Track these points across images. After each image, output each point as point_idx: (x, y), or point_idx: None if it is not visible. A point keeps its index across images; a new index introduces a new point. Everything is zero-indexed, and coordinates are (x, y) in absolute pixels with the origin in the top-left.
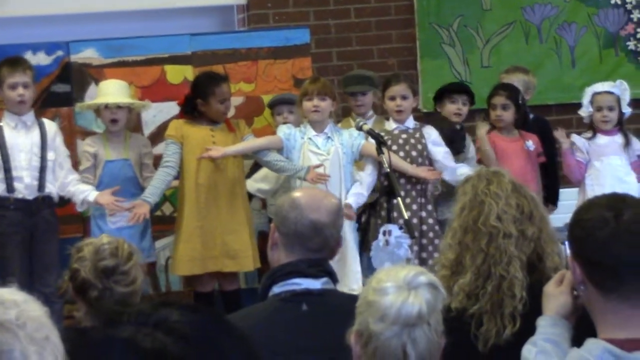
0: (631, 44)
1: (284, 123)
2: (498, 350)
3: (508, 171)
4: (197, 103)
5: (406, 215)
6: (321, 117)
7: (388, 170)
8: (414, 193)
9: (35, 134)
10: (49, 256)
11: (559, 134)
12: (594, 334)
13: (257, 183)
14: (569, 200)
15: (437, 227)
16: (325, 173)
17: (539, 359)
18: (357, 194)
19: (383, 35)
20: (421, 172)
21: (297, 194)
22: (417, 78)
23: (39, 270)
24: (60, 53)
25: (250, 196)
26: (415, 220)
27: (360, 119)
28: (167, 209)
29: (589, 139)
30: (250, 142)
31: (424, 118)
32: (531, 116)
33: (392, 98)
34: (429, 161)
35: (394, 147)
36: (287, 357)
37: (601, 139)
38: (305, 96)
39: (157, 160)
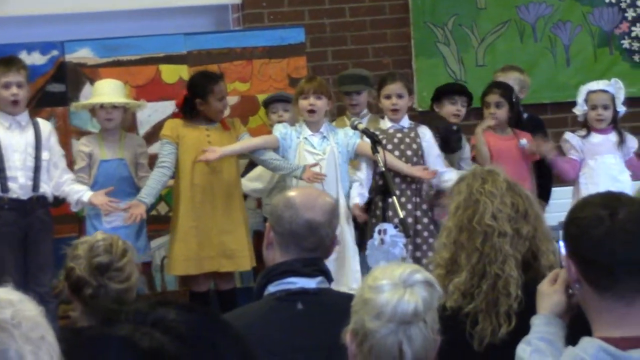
0: (626, 43)
1: (279, 121)
2: (493, 349)
3: (503, 170)
4: (196, 103)
5: (401, 214)
6: (317, 117)
7: (383, 169)
8: (409, 192)
9: (30, 133)
10: (43, 256)
11: (544, 148)
12: (588, 333)
13: (251, 182)
14: (563, 199)
15: (431, 227)
16: (322, 172)
17: (534, 358)
18: (362, 194)
19: (378, 35)
20: (416, 171)
21: (292, 193)
22: (412, 77)
23: (33, 270)
24: (55, 53)
25: (245, 195)
26: (410, 220)
27: (355, 118)
28: (163, 208)
29: (583, 137)
30: (247, 142)
31: (418, 117)
32: (525, 115)
33: (388, 97)
34: (424, 160)
35: (389, 146)
36: (283, 356)
37: (595, 138)
38: (301, 95)
39: (152, 160)
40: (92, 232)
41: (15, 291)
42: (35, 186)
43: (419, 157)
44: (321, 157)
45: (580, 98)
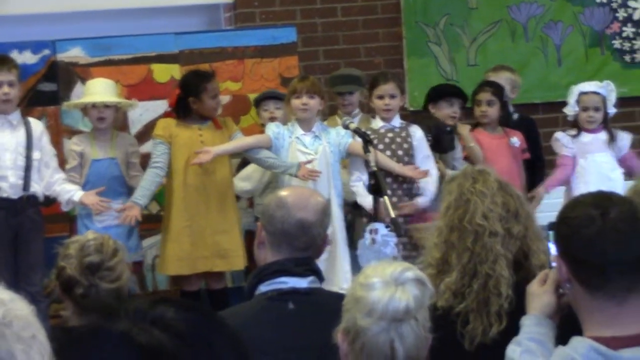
0: (617, 43)
1: (271, 118)
2: (484, 349)
3: (494, 170)
4: (190, 101)
5: (393, 213)
6: (310, 115)
7: (374, 169)
8: (400, 192)
9: (21, 133)
10: (34, 255)
11: (538, 198)
12: (578, 333)
13: (240, 182)
14: (554, 199)
15: None
16: (316, 169)
17: (524, 358)
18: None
19: (370, 34)
20: (407, 170)
21: (283, 192)
22: (404, 76)
23: (24, 269)
24: (46, 52)
25: (237, 196)
26: (401, 219)
27: (346, 117)
28: (154, 207)
29: (574, 137)
30: (239, 141)
31: (410, 116)
32: (517, 115)
33: (381, 97)
34: (415, 160)
35: (380, 146)
36: (274, 356)
37: (585, 137)
38: (294, 94)
39: (144, 159)
40: (83, 231)
41: (6, 290)
42: (26, 185)
43: (410, 156)
44: (313, 156)
45: (571, 99)
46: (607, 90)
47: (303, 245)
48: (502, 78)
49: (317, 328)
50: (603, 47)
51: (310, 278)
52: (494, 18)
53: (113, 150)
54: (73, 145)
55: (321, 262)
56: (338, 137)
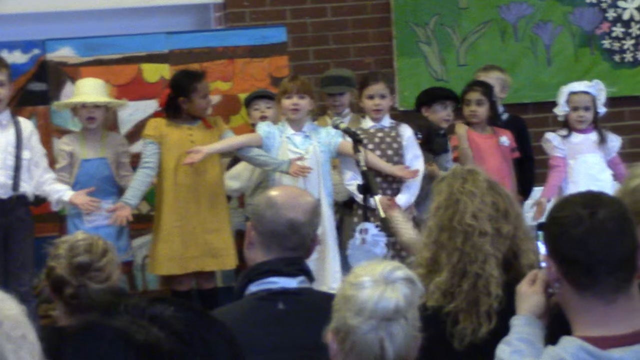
0: (606, 43)
1: (262, 118)
2: (474, 349)
3: (483, 169)
4: (180, 101)
5: (383, 213)
6: (300, 116)
7: (364, 168)
8: (390, 192)
9: (11, 132)
10: (23, 255)
11: (540, 209)
12: (568, 333)
13: (229, 181)
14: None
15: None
16: (307, 165)
17: (514, 358)
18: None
19: (360, 34)
20: (397, 170)
21: (273, 192)
22: (394, 76)
23: (14, 269)
24: (36, 51)
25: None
26: None
27: (336, 117)
28: (144, 207)
29: (564, 137)
30: (230, 140)
31: (400, 116)
32: (507, 115)
33: (371, 97)
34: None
35: (370, 146)
36: (264, 355)
37: (576, 137)
38: (284, 94)
39: (134, 159)
40: (73, 231)
41: None
42: (16, 185)
43: (399, 156)
44: (306, 157)
45: (561, 99)
46: (597, 89)
47: (293, 245)
48: (492, 78)
49: (307, 328)
50: (592, 47)
51: (300, 278)
52: (484, 18)
53: (103, 150)
54: (63, 145)
55: (311, 262)
56: (328, 137)
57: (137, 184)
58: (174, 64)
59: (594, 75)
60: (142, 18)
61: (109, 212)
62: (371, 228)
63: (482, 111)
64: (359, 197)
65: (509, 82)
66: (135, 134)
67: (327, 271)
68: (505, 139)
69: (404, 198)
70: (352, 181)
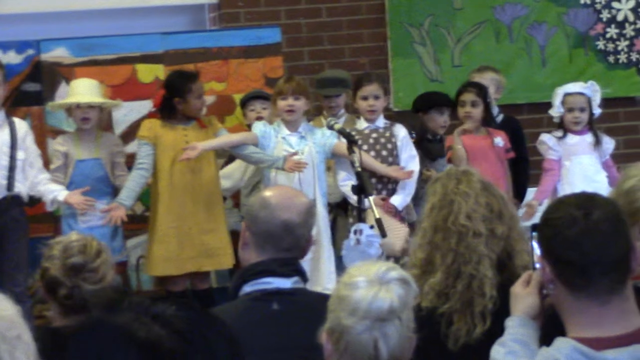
0: (600, 44)
1: (257, 119)
2: (468, 349)
3: (477, 170)
4: (175, 102)
5: (377, 214)
6: (295, 117)
7: (359, 169)
8: (385, 192)
9: (5, 133)
10: (18, 255)
11: (529, 212)
12: (562, 334)
13: (220, 180)
14: None
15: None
16: (303, 161)
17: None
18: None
19: (354, 35)
20: (392, 171)
21: (267, 193)
22: (388, 77)
23: (8, 270)
24: (30, 52)
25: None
26: None
27: (331, 117)
28: (138, 208)
29: (560, 138)
30: (226, 138)
31: (395, 117)
32: (502, 116)
33: (365, 98)
34: (399, 160)
35: (365, 147)
36: (258, 356)
37: (571, 139)
38: (280, 95)
39: (129, 159)
40: (67, 231)
41: None
42: (10, 185)
43: (394, 156)
44: (299, 157)
45: (556, 100)
46: (592, 90)
47: (287, 245)
48: (487, 78)
49: (302, 328)
50: (587, 48)
51: (295, 278)
52: (478, 19)
53: (97, 150)
54: (57, 145)
55: (305, 263)
56: (323, 137)
57: (132, 184)
58: (168, 64)
59: (589, 76)
60: (137, 18)
61: (104, 212)
62: (366, 229)
63: (477, 112)
64: (353, 199)
65: (503, 83)
66: (129, 134)
67: (321, 272)
68: (500, 139)
69: (399, 199)
70: (346, 182)
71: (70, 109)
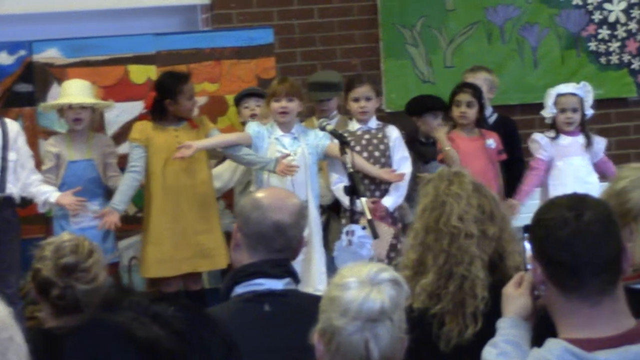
0: (592, 45)
1: (252, 116)
2: (460, 350)
3: (469, 171)
4: (166, 103)
5: (369, 215)
6: (289, 119)
7: (351, 170)
8: (377, 194)
9: None
10: (10, 257)
11: (513, 209)
12: (554, 335)
13: None
14: (531, 201)
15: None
16: (294, 164)
17: None
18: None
19: (346, 36)
20: (384, 173)
21: (259, 194)
22: (381, 78)
23: (0, 271)
24: (22, 52)
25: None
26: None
27: (323, 119)
28: (131, 209)
29: (552, 139)
30: (221, 137)
31: (387, 118)
32: (496, 116)
33: (356, 100)
34: (392, 161)
35: (357, 148)
36: (251, 357)
37: (564, 140)
38: (273, 97)
39: (121, 160)
40: (59, 232)
41: None
42: (2, 187)
43: (386, 158)
44: (292, 158)
45: (549, 101)
46: (584, 91)
47: (279, 246)
48: (480, 78)
49: (293, 329)
50: (579, 49)
51: (286, 280)
52: (470, 20)
53: (89, 151)
54: (49, 146)
55: (297, 264)
56: (316, 139)
57: (125, 188)
58: (160, 65)
59: (580, 77)
60: (129, 19)
61: (97, 217)
62: (358, 230)
63: (472, 113)
64: (345, 201)
65: (496, 83)
66: (121, 135)
67: (312, 273)
68: (492, 141)
69: (391, 200)
70: (338, 184)
71: (62, 110)
